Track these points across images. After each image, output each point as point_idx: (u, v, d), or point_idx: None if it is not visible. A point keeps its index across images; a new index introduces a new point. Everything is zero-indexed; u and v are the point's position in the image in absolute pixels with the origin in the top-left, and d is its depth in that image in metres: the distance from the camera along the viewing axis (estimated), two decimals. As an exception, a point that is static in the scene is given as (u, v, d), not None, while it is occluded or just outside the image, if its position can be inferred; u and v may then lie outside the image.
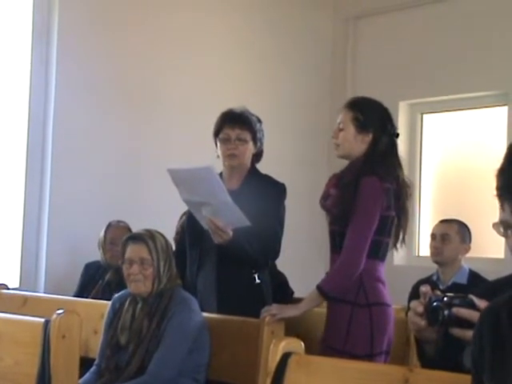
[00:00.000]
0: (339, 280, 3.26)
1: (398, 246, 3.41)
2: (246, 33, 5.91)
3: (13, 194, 4.99)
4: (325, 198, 3.39)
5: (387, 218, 3.29)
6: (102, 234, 4.71)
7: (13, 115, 5.03)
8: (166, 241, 3.43)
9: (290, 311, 3.29)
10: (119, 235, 4.61)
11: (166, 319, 3.29)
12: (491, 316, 1.60)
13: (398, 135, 3.43)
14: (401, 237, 3.39)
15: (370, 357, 3.18)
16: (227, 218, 3.37)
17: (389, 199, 3.27)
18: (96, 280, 4.64)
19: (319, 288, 3.27)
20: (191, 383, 3.31)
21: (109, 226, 4.73)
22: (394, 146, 3.41)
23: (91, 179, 5.08)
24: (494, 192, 1.61)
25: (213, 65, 5.68)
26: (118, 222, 4.77)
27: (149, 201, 5.24)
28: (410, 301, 5.07)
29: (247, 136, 3.68)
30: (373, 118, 3.36)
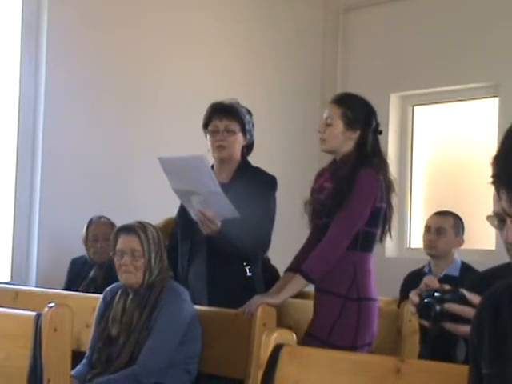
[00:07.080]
0: (319, 262, 3.26)
1: (383, 238, 3.42)
2: (235, 25, 5.89)
3: (3, 190, 4.98)
4: (318, 192, 3.39)
5: (380, 209, 3.31)
6: (84, 230, 4.65)
7: (2, 113, 5.00)
8: (158, 233, 3.42)
9: (270, 299, 3.28)
10: (101, 231, 4.58)
11: (156, 310, 3.29)
12: (492, 301, 1.59)
13: (381, 132, 3.45)
14: (386, 229, 3.40)
15: (353, 350, 3.20)
16: (216, 208, 3.36)
17: (381, 191, 3.30)
18: (83, 275, 4.59)
19: (300, 270, 3.27)
20: (183, 375, 3.31)
21: (90, 223, 4.66)
22: (378, 142, 3.44)
23: (81, 175, 5.06)
24: (488, 180, 1.56)
25: (202, 59, 5.66)
26: (100, 217, 4.69)
27: (138, 197, 5.22)
28: (401, 292, 5.08)
29: (236, 127, 3.66)
30: (361, 115, 3.37)
